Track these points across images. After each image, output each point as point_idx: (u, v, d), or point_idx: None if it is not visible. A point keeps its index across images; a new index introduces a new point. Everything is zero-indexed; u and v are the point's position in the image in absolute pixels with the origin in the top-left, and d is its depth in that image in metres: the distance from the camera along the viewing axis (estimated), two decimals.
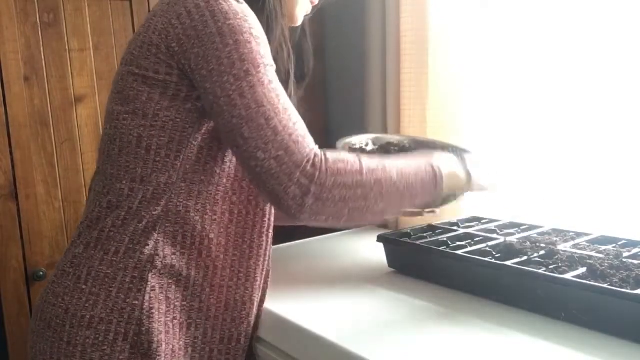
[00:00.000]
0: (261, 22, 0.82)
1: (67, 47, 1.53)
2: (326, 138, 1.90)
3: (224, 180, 0.84)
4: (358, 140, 1.14)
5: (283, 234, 1.14)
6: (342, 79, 1.80)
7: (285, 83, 0.99)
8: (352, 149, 1.10)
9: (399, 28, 1.42)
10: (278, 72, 0.84)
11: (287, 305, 0.95)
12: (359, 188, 0.76)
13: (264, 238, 0.90)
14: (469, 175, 0.92)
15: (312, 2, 0.98)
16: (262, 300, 0.95)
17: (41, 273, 1.50)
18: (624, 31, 1.14)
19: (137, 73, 0.80)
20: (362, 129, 1.59)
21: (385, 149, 1.15)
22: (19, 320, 1.50)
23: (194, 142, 0.81)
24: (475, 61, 1.36)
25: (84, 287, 0.80)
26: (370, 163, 0.79)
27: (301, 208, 0.74)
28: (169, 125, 0.79)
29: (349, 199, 0.76)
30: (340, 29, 1.66)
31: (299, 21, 0.98)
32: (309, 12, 1.00)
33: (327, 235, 1.44)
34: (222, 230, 0.85)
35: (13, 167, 1.48)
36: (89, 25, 1.57)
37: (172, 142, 0.79)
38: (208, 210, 0.83)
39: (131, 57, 0.81)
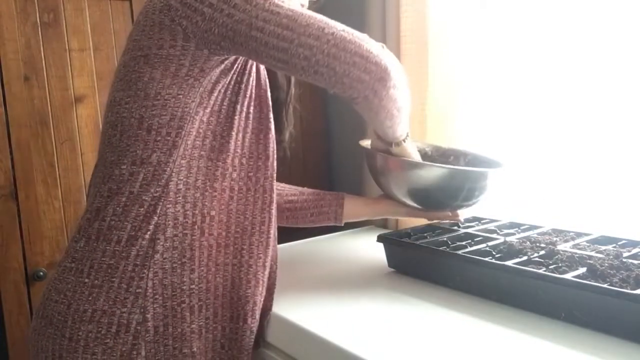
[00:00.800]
0: None
1: (67, 47, 1.53)
2: (326, 138, 1.90)
3: (223, 156, 0.85)
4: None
5: (283, 234, 1.14)
6: None
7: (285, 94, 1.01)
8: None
9: (399, 28, 1.42)
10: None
11: (287, 306, 0.95)
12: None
13: (266, 214, 0.90)
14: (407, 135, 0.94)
15: None
16: (271, 282, 0.94)
17: (41, 273, 1.50)
18: (623, 31, 1.14)
19: (139, 55, 0.81)
20: (362, 130, 1.60)
21: None
22: (19, 320, 1.50)
23: (195, 117, 0.81)
24: (475, 61, 1.36)
25: (86, 280, 0.80)
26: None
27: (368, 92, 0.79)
28: (171, 103, 0.80)
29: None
30: None
31: (305, 7, 0.97)
32: (305, 5, 0.99)
33: (327, 235, 1.44)
34: (222, 207, 0.86)
35: (13, 167, 1.47)
36: (89, 25, 1.57)
37: (173, 119, 0.80)
38: (208, 187, 0.84)
39: (133, 44, 0.83)
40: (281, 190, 1.14)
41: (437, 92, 1.38)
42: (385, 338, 0.81)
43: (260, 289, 0.91)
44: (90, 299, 0.79)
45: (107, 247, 0.80)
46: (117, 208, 0.81)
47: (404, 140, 0.95)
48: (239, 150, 0.87)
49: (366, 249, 1.29)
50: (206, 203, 0.84)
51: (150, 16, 0.81)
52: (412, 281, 1.05)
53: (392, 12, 1.44)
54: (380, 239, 1.12)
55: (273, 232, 0.93)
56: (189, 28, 0.78)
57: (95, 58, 1.58)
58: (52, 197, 1.53)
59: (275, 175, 0.92)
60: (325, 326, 0.86)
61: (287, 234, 1.27)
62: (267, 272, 0.92)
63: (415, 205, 1.06)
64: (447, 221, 1.16)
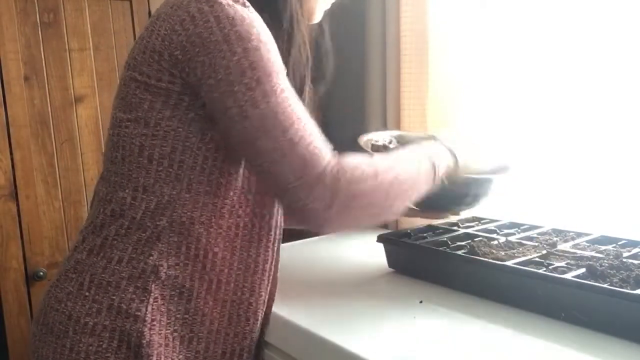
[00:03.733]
0: (281, 25, 0.79)
1: (67, 47, 1.54)
2: (326, 138, 1.90)
3: (230, 193, 0.81)
4: (381, 137, 1.12)
5: (283, 234, 1.14)
6: (342, 78, 1.80)
7: (300, 89, 0.97)
8: (374, 146, 1.09)
9: (399, 28, 1.42)
10: (293, 78, 0.81)
11: (287, 306, 0.94)
12: (376, 192, 0.77)
13: (270, 252, 0.87)
14: (456, 159, 0.93)
15: None
16: (266, 316, 0.92)
17: (41, 273, 1.51)
18: (623, 31, 1.14)
19: (139, 80, 0.77)
20: (362, 130, 1.59)
21: None
22: (19, 320, 1.50)
23: (197, 152, 0.78)
24: (475, 61, 1.36)
25: (87, 294, 0.79)
26: (382, 161, 0.81)
27: (324, 221, 0.74)
28: (171, 135, 0.77)
29: (368, 205, 0.77)
30: (340, 29, 1.66)
31: (319, 18, 0.94)
32: (328, 7, 0.96)
33: (327, 236, 1.44)
34: (227, 244, 0.82)
35: (13, 167, 1.48)
36: (89, 25, 1.57)
37: (174, 152, 0.77)
38: (213, 224, 0.80)
39: (134, 62, 0.79)
40: None
41: (437, 92, 1.38)
42: (385, 338, 0.81)
43: (258, 324, 0.89)
44: (90, 312, 0.78)
45: (108, 265, 0.79)
46: (120, 230, 0.79)
47: (451, 166, 0.92)
48: (245, 187, 0.83)
49: (366, 249, 1.28)
50: (210, 240, 0.81)
51: (153, 40, 0.76)
52: (412, 281, 1.05)
53: (392, 12, 1.44)
54: (380, 239, 1.12)
55: (276, 268, 0.90)
56: (184, 72, 0.74)
57: (95, 58, 1.58)
58: (52, 197, 1.53)
59: (281, 211, 0.89)
60: (326, 326, 0.86)
61: (287, 234, 1.26)
62: (265, 308, 0.90)
63: (414, 207, 1.05)
64: (444, 220, 1.15)
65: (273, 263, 0.89)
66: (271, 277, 0.89)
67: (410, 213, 1.09)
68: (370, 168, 0.78)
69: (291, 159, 0.72)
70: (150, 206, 0.78)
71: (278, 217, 0.88)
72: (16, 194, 1.48)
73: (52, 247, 1.53)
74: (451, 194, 0.98)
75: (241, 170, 0.82)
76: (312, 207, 0.72)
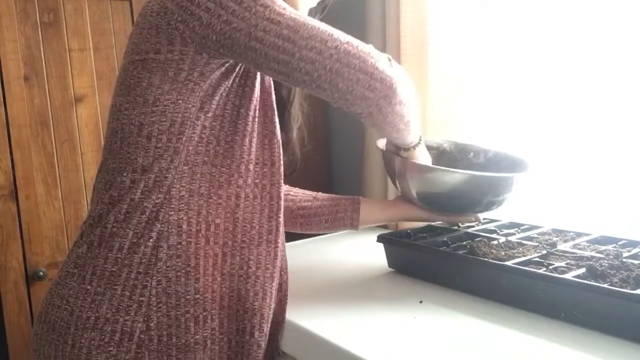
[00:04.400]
0: None
1: (67, 47, 1.53)
2: (326, 138, 1.90)
3: (228, 161, 0.82)
4: None
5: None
6: None
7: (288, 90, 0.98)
8: (390, 150, 1.08)
9: (399, 28, 1.42)
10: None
11: (288, 306, 0.94)
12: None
13: (273, 223, 0.87)
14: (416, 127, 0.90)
15: None
16: (282, 294, 0.91)
17: (41, 273, 1.50)
18: (624, 31, 1.14)
19: (137, 59, 0.79)
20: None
21: None
22: (19, 320, 1.50)
23: (196, 122, 0.79)
24: (475, 61, 1.36)
25: (88, 287, 0.79)
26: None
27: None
28: (170, 109, 0.78)
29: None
30: (340, 29, 1.66)
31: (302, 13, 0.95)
32: (314, 5, 0.97)
33: (327, 236, 1.44)
34: (228, 215, 0.83)
35: (13, 167, 1.48)
36: (89, 25, 1.57)
37: (173, 125, 0.78)
38: (212, 194, 0.81)
39: (132, 47, 0.81)
40: (294, 195, 1.09)
41: (437, 92, 1.38)
42: (385, 338, 0.81)
43: (269, 301, 0.87)
44: (92, 306, 0.78)
45: (109, 254, 0.79)
46: (119, 215, 0.79)
47: (414, 147, 0.94)
48: (245, 156, 0.84)
49: (366, 249, 1.29)
50: (211, 211, 0.81)
51: (148, 18, 0.79)
52: (412, 281, 1.05)
53: (392, 12, 1.44)
54: (380, 239, 1.12)
55: (281, 241, 0.89)
56: (186, 33, 0.76)
57: (95, 58, 1.58)
58: (52, 197, 1.53)
59: (282, 181, 0.89)
60: (325, 326, 0.86)
61: (286, 235, 1.26)
62: (275, 284, 0.88)
63: (435, 209, 1.04)
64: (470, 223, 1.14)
65: (278, 234, 0.88)
66: (278, 250, 0.88)
67: (431, 217, 1.07)
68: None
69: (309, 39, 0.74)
70: (148, 184, 0.79)
71: (280, 188, 0.88)
72: (16, 193, 1.48)
73: (52, 247, 1.53)
74: (467, 193, 0.97)
75: (238, 139, 0.83)
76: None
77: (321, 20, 0.99)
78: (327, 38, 0.75)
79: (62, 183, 1.55)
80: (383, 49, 1.49)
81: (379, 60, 0.78)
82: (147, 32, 0.79)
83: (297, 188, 1.12)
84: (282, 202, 0.88)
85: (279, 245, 0.88)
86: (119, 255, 0.79)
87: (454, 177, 0.96)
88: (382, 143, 1.06)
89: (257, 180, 0.85)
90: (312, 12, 0.99)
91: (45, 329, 0.81)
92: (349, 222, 1.07)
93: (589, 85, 1.21)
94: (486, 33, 1.35)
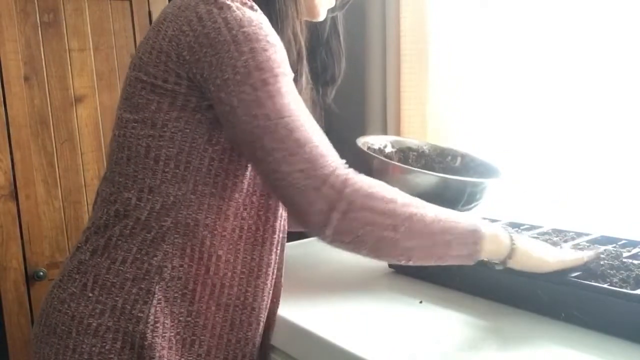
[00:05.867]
0: (270, 18, 0.79)
1: (67, 47, 1.54)
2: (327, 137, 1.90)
3: (236, 195, 0.81)
4: (377, 140, 1.12)
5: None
6: (342, 79, 1.80)
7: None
8: (370, 149, 1.09)
9: (399, 28, 1.42)
10: None
11: (287, 306, 0.94)
12: (389, 217, 0.72)
13: (273, 256, 0.86)
14: (513, 242, 0.80)
15: None
16: (271, 320, 0.91)
17: (41, 273, 1.51)
18: (624, 31, 1.14)
19: (146, 80, 0.77)
20: (362, 130, 1.60)
21: (404, 153, 1.14)
22: (19, 320, 1.50)
23: (204, 154, 0.78)
24: (475, 61, 1.36)
25: (90, 295, 0.78)
26: (407, 196, 0.75)
27: (326, 224, 0.71)
28: (178, 136, 0.77)
29: (376, 225, 0.72)
30: (340, 29, 1.66)
31: (322, 16, 0.92)
32: (333, 5, 0.94)
33: None
34: (231, 247, 0.82)
35: (13, 167, 1.48)
36: (89, 25, 1.57)
37: (181, 153, 0.77)
38: (218, 226, 0.80)
39: (140, 63, 0.78)
40: None
41: (437, 92, 1.38)
42: (385, 338, 0.81)
43: (261, 330, 0.88)
44: (94, 313, 0.78)
45: (112, 265, 0.78)
46: (125, 230, 0.79)
47: (509, 256, 0.80)
48: (250, 189, 0.82)
49: None
50: (214, 242, 0.80)
51: (160, 41, 0.76)
52: (412, 281, 1.05)
53: (392, 12, 1.44)
54: None
55: (281, 273, 0.89)
56: (191, 72, 0.74)
57: (95, 58, 1.58)
58: (52, 197, 1.53)
59: (285, 215, 0.88)
60: (325, 326, 0.86)
61: (287, 235, 1.27)
62: (267, 311, 0.88)
63: None
64: None
65: (277, 267, 0.88)
66: (274, 281, 0.88)
67: None
68: (392, 192, 0.74)
69: (299, 158, 0.71)
70: (155, 207, 0.78)
71: (282, 221, 0.87)
72: (16, 193, 1.48)
73: (52, 247, 1.53)
74: (443, 195, 0.98)
75: (247, 173, 0.81)
76: (317, 206, 0.71)
77: (336, 22, 0.98)
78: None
79: (62, 183, 1.55)
80: (383, 49, 1.49)
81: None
82: (157, 56, 0.76)
83: None
84: (283, 235, 0.88)
85: (275, 277, 0.88)
86: (121, 268, 0.78)
87: (430, 179, 0.97)
88: (363, 141, 1.06)
89: (260, 212, 0.84)
90: (330, 12, 0.97)
91: (46, 332, 0.81)
92: None
93: (589, 85, 1.21)
94: (486, 33, 1.35)
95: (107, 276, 0.78)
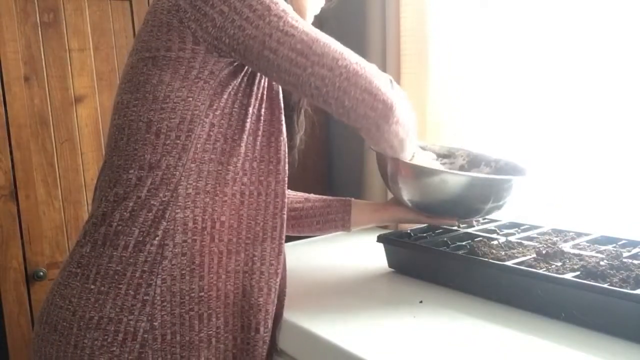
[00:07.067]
0: None
1: (67, 47, 1.54)
2: (327, 138, 1.90)
3: (234, 159, 0.83)
4: None
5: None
6: None
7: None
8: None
9: (399, 28, 1.42)
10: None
11: (287, 306, 0.94)
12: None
13: (278, 220, 0.88)
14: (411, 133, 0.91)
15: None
16: (281, 290, 0.91)
17: (41, 273, 1.50)
18: (624, 30, 1.14)
19: (147, 57, 0.80)
20: None
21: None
22: (19, 320, 1.50)
23: (205, 119, 0.80)
24: (475, 61, 1.36)
25: (92, 286, 0.78)
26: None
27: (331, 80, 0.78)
28: (180, 106, 0.79)
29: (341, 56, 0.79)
30: (340, 29, 1.66)
31: (309, 21, 0.95)
32: (317, 12, 0.98)
33: (327, 236, 1.44)
34: (233, 212, 0.84)
35: (13, 167, 1.48)
36: (89, 25, 1.57)
37: (182, 122, 0.79)
38: (218, 192, 0.82)
39: (141, 44, 0.81)
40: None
41: (437, 93, 1.38)
42: (385, 338, 0.81)
43: (273, 297, 0.88)
44: (96, 305, 0.78)
45: (114, 253, 0.79)
46: (125, 213, 0.79)
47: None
48: (249, 154, 0.85)
49: (366, 249, 1.29)
50: (216, 208, 0.82)
51: (159, 16, 0.79)
52: (412, 281, 1.05)
53: (392, 12, 1.44)
54: (380, 239, 1.12)
55: (284, 237, 0.90)
56: (198, 32, 0.77)
57: (95, 58, 1.58)
58: (52, 197, 1.53)
59: (286, 179, 0.89)
60: (325, 326, 0.86)
61: (286, 235, 1.26)
62: (278, 279, 0.89)
63: (424, 213, 1.03)
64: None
65: (282, 231, 0.89)
66: (282, 246, 0.89)
67: (418, 219, 1.06)
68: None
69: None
70: (155, 181, 0.79)
71: (284, 185, 0.89)
72: (16, 194, 1.48)
73: (52, 247, 1.53)
74: (466, 199, 0.95)
75: (244, 137, 0.84)
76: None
77: (319, 17, 1.00)
78: (339, 57, 0.78)
79: (62, 183, 1.55)
80: (383, 49, 1.49)
81: (382, 81, 0.82)
82: (158, 30, 0.79)
83: (288, 190, 1.11)
84: (286, 199, 0.89)
85: (283, 241, 0.89)
86: (124, 254, 0.79)
87: (444, 179, 0.94)
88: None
89: (261, 178, 0.86)
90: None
91: (47, 330, 0.80)
92: (340, 223, 1.07)
93: (589, 85, 1.21)
94: (486, 33, 1.35)
95: (110, 265, 0.79)
